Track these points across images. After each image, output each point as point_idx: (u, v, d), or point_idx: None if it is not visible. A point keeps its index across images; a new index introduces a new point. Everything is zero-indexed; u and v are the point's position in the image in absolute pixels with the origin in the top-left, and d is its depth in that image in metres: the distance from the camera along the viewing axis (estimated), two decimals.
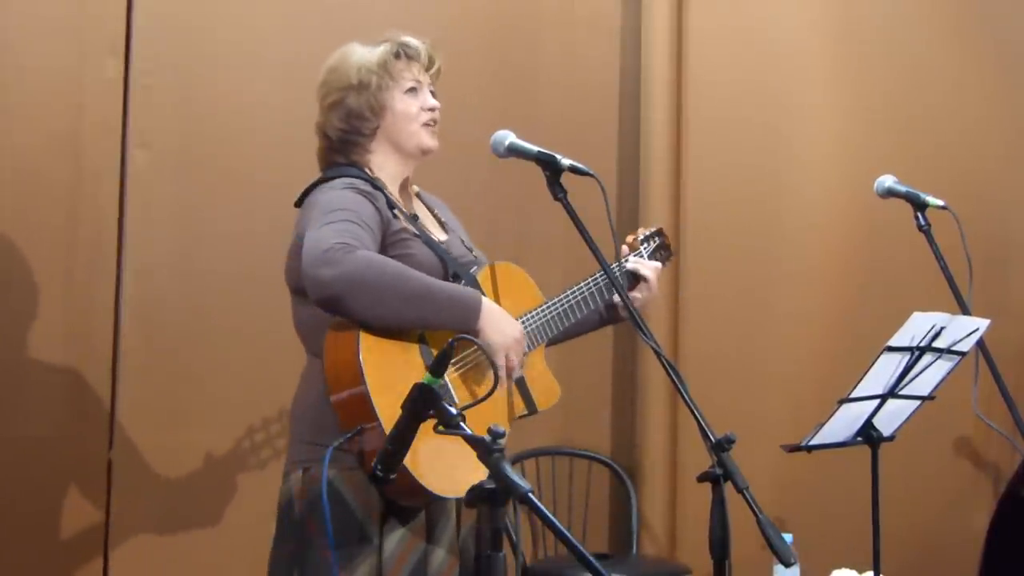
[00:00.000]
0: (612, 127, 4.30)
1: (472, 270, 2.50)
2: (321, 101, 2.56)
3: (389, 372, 2.26)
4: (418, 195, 2.68)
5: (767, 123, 4.35)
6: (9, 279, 3.48)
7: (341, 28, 3.80)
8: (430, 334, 2.36)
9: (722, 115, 4.31)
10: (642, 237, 2.83)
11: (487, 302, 2.37)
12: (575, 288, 2.61)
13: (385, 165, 2.56)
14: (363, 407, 2.22)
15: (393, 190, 2.55)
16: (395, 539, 2.32)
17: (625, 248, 2.79)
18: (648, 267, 2.74)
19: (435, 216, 2.66)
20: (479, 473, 1.83)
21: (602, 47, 4.31)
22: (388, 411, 2.16)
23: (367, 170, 2.53)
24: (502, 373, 2.39)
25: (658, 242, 2.85)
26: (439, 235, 2.58)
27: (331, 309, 2.26)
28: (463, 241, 2.61)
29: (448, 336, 2.28)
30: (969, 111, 4.50)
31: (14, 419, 3.43)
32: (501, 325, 2.37)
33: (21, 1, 3.53)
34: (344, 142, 2.54)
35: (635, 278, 2.73)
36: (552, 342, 2.66)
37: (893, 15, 4.48)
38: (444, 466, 2.22)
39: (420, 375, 2.27)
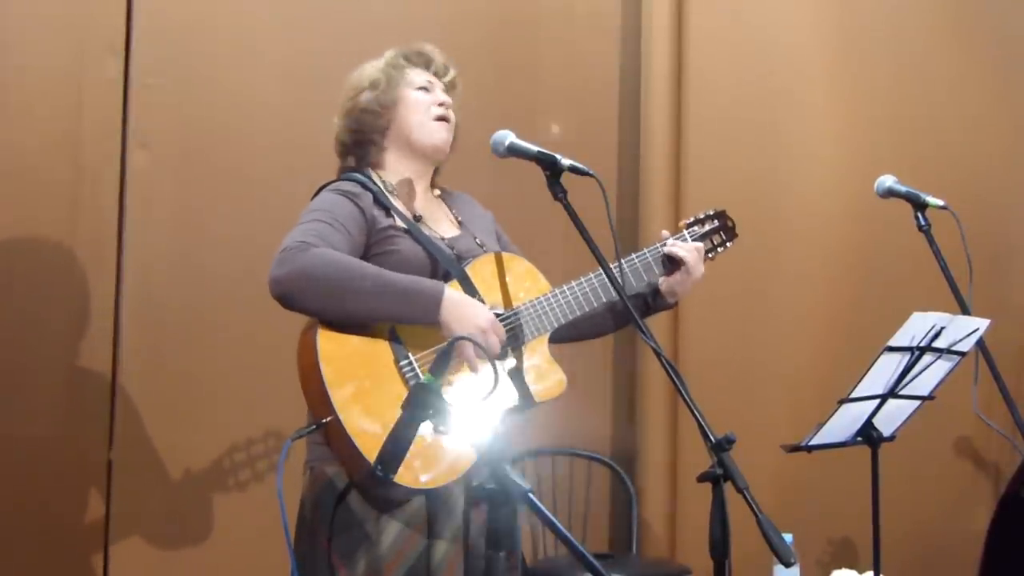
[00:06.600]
0: (612, 127, 4.30)
1: (464, 263, 2.48)
2: (338, 113, 2.60)
3: (350, 366, 2.29)
4: (441, 196, 2.68)
5: (767, 123, 4.35)
6: (9, 279, 3.48)
7: (341, 28, 3.82)
8: (400, 327, 2.36)
9: (722, 115, 4.30)
10: (690, 220, 2.74)
11: (450, 293, 2.34)
12: (581, 280, 2.55)
13: (399, 167, 2.57)
14: (322, 400, 2.25)
15: (404, 191, 2.55)
16: (392, 534, 2.32)
17: (665, 232, 2.70)
18: (684, 248, 2.63)
19: (453, 214, 2.65)
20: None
21: (602, 46, 4.30)
22: (346, 404, 2.23)
23: (375, 173, 2.55)
24: (471, 364, 2.36)
25: (714, 225, 2.75)
26: (448, 232, 2.57)
27: (286, 306, 2.30)
28: (475, 238, 2.59)
29: (416, 329, 2.33)
30: (969, 111, 4.50)
31: (14, 419, 3.44)
32: (463, 313, 2.33)
33: (21, 1, 3.54)
34: (357, 143, 2.57)
35: (673, 262, 2.63)
36: (581, 336, 2.67)
37: (893, 15, 4.48)
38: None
39: (388, 368, 2.32)
